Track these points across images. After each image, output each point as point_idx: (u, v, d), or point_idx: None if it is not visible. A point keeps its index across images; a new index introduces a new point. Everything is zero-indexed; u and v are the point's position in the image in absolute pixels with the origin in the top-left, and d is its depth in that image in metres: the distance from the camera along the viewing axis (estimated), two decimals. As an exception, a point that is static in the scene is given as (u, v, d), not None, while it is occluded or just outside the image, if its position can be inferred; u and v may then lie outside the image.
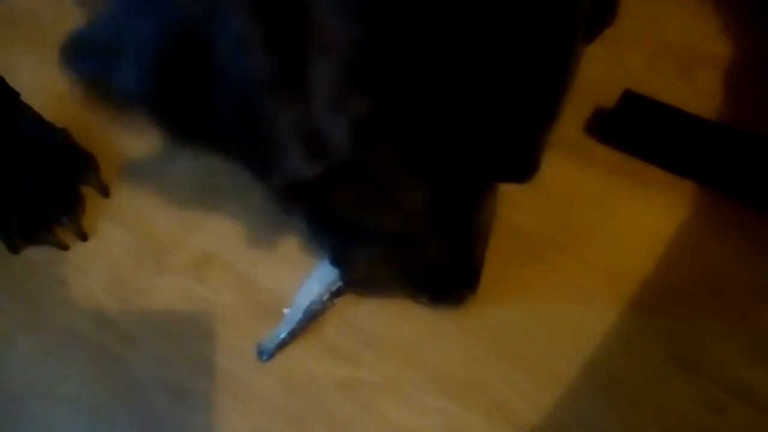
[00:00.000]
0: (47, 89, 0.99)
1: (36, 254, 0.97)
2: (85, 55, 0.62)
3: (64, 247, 0.96)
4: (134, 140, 1.04)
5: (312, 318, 0.88)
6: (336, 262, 0.85)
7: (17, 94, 0.95)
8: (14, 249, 0.96)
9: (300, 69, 0.55)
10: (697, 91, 0.98)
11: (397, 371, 0.85)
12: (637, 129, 0.95)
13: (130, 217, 0.98)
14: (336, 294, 0.88)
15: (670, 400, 0.80)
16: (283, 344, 0.87)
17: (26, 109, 0.96)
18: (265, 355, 0.87)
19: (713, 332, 0.83)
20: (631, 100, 0.95)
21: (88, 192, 1.00)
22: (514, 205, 0.92)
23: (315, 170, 0.60)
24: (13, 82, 0.96)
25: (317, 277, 0.88)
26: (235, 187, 0.98)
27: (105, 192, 1.00)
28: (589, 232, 0.90)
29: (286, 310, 0.88)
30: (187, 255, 0.95)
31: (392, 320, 0.88)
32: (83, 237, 0.97)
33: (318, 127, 0.57)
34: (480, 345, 0.85)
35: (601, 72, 1.01)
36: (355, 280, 0.87)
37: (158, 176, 1.01)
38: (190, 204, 0.98)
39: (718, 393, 0.80)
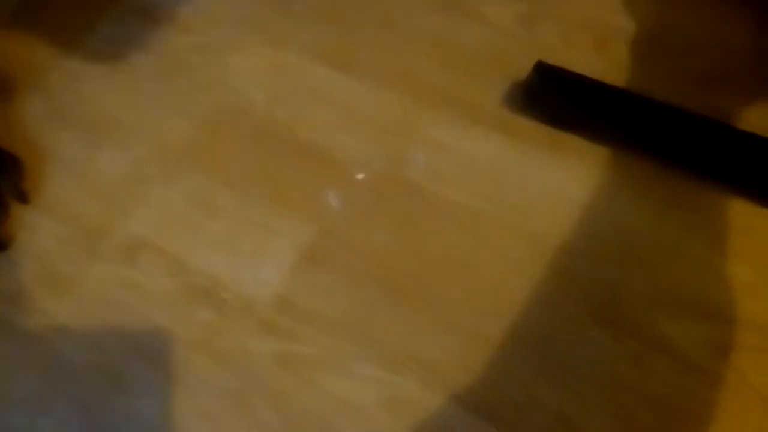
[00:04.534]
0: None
1: (-36, 249, 0.96)
2: None
3: None
4: (62, 130, 1.03)
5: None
6: None
7: None
8: None
9: None
10: (608, 62, 1.02)
11: (333, 344, 0.87)
12: (550, 98, 0.98)
13: (60, 207, 0.98)
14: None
15: (594, 357, 0.84)
16: None
17: None
18: None
19: (631, 290, 0.87)
20: (542, 70, 0.98)
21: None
22: (440, 178, 0.96)
23: None
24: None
25: None
26: (164, 173, 0.99)
27: (23, 199, 0.98)
28: (511, 200, 0.94)
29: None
30: (118, 242, 0.94)
31: (326, 295, 0.90)
32: (2, 246, 0.95)
33: None
34: (412, 314, 0.88)
35: (518, 47, 1.04)
36: None
37: (86, 165, 1.01)
38: (118, 192, 0.98)
39: (638, 346, 0.84)
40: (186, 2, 1.14)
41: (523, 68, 1.01)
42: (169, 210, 0.96)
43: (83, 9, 1.16)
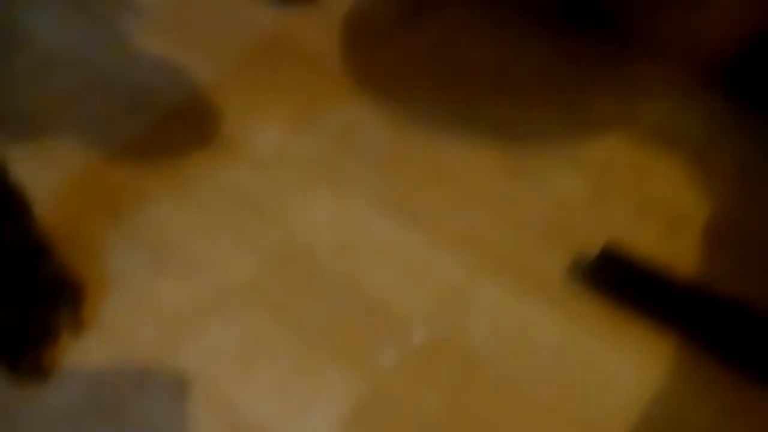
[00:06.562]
0: (44, 187, 1.01)
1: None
2: None
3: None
4: (127, 254, 1.05)
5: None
6: None
7: (31, 207, 0.90)
8: None
9: None
10: (677, 245, 1.01)
11: None
12: (615, 282, 0.98)
13: (115, 331, 0.98)
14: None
15: None
16: None
17: (31, 224, 0.91)
18: None
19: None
20: (609, 253, 0.98)
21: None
22: (497, 349, 0.94)
23: None
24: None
25: None
26: (222, 308, 0.99)
27: (77, 328, 0.97)
28: (568, 382, 0.91)
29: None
30: (169, 374, 0.94)
31: None
32: (39, 374, 0.93)
33: None
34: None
35: (586, 221, 1.04)
36: None
37: (146, 291, 1.01)
38: (175, 322, 0.98)
39: None
40: (264, 138, 1.17)
41: (590, 242, 1.00)
42: (224, 346, 0.96)
43: (174, 146, 1.19)
